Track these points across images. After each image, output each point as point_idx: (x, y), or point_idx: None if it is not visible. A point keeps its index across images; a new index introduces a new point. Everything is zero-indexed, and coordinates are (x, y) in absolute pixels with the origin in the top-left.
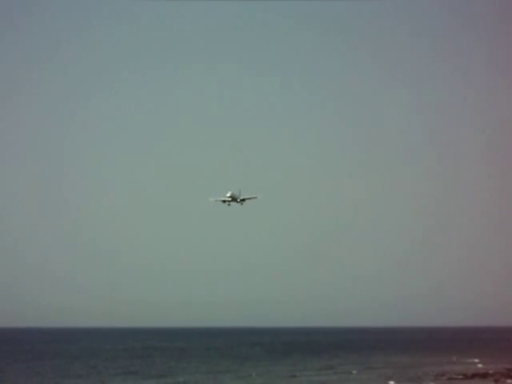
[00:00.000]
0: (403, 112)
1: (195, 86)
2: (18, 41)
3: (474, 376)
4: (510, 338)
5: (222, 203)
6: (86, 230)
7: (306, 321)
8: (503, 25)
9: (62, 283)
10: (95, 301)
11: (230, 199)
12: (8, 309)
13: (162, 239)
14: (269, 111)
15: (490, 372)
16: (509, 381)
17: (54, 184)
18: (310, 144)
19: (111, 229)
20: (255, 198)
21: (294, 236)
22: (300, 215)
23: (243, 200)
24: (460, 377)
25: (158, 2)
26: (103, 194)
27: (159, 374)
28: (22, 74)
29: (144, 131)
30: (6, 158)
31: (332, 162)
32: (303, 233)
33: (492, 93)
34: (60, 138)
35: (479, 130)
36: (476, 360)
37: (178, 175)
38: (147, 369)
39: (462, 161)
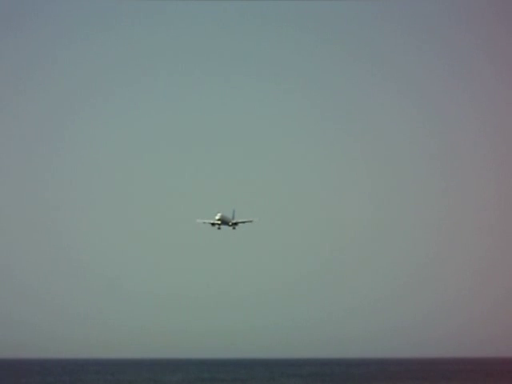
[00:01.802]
0: (411, 123)
1: (182, 96)
2: (17, 42)
3: None
4: None
5: (211, 226)
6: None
7: (312, 351)
8: (504, 24)
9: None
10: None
11: (219, 222)
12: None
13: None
14: (268, 123)
15: None
16: None
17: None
18: (314, 161)
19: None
20: (250, 221)
21: (293, 264)
22: (302, 241)
23: (236, 224)
24: None
25: (157, 2)
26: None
27: None
28: (17, 75)
29: (126, 143)
30: None
31: (336, 181)
32: (304, 259)
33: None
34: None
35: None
36: None
37: (163, 192)
38: None
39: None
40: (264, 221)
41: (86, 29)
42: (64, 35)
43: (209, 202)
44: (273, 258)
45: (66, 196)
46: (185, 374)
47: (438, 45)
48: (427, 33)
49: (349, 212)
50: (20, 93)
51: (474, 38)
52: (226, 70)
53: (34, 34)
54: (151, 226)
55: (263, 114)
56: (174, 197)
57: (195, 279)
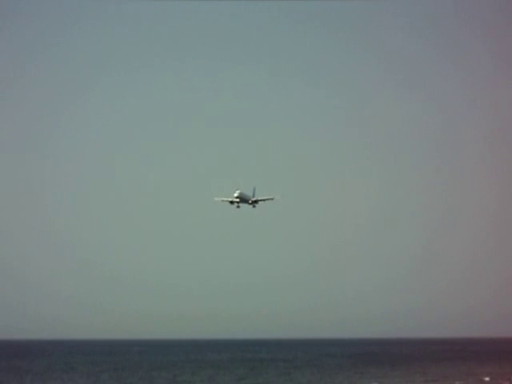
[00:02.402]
0: (419, 119)
1: (201, 81)
2: (12, 36)
3: None
4: None
5: (229, 204)
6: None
7: (350, 332)
8: (506, 24)
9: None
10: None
11: (238, 200)
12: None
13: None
14: (289, 101)
15: None
16: None
17: (39, 186)
18: (337, 138)
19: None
20: (271, 199)
21: (320, 243)
22: (325, 218)
23: (256, 202)
24: None
25: (156, 1)
26: (94, 195)
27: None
28: (12, 71)
29: (141, 125)
30: None
31: (359, 157)
32: (331, 237)
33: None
34: (49, 138)
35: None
36: None
37: (180, 168)
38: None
39: (471, 172)
40: (286, 199)
41: (82, 25)
42: (61, 31)
43: (228, 179)
44: (296, 237)
45: (68, 174)
46: (229, 354)
47: (442, 42)
48: (430, 31)
49: (371, 193)
50: (15, 87)
51: (477, 35)
52: (248, 58)
53: (29, 29)
54: (167, 205)
55: (283, 97)
56: (191, 174)
57: (222, 261)
